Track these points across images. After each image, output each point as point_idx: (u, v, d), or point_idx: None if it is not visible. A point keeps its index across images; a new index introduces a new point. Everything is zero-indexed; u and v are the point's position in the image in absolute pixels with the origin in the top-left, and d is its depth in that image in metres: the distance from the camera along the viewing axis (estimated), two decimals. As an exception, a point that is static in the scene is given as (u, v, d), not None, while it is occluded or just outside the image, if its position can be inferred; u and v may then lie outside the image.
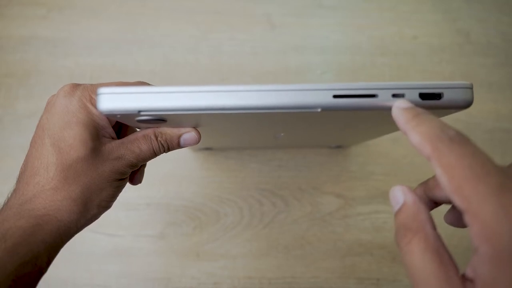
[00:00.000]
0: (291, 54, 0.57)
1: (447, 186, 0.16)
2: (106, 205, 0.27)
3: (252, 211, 0.49)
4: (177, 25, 0.58)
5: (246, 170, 0.51)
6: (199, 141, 0.27)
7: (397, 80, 0.56)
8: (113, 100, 0.21)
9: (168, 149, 0.27)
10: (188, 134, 0.26)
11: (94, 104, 0.24)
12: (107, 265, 0.47)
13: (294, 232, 0.49)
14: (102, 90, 0.21)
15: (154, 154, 0.27)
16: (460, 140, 0.16)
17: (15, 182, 0.25)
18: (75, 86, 0.25)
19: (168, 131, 0.26)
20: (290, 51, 0.57)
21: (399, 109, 0.20)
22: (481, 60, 0.58)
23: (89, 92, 0.24)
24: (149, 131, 0.26)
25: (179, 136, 0.26)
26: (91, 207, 0.25)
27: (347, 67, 0.56)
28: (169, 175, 0.50)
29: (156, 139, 0.26)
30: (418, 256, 0.16)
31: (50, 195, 0.24)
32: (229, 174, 0.51)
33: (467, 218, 0.15)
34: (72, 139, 0.24)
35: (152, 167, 0.50)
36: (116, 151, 0.25)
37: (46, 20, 0.57)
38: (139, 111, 0.21)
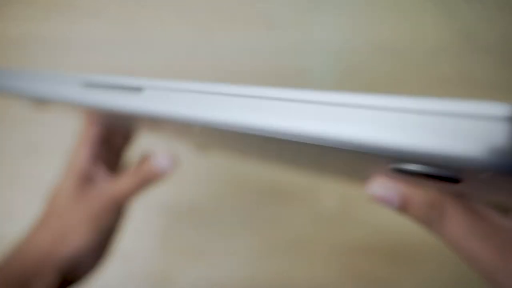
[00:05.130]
0: (291, 54, 0.57)
1: None
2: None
3: (252, 211, 0.49)
4: (177, 25, 0.58)
5: (246, 170, 0.51)
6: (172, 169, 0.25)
7: (398, 81, 0.56)
8: None
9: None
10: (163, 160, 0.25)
11: None
12: (107, 265, 0.47)
13: (294, 232, 0.49)
14: None
15: None
16: None
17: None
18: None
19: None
20: (290, 51, 0.57)
21: None
22: (482, 60, 0.58)
23: None
24: None
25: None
26: None
27: (348, 67, 0.56)
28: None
29: None
30: (456, 221, 0.16)
31: None
32: (229, 174, 0.51)
33: None
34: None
35: (152, 167, 0.50)
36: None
37: (46, 20, 0.57)
38: None
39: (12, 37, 0.56)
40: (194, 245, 0.48)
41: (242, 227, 0.49)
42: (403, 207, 0.16)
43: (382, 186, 0.16)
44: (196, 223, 0.49)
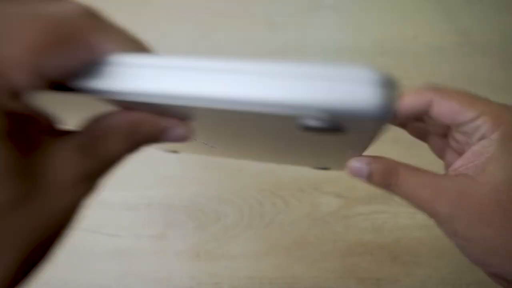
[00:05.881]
0: (291, 54, 0.57)
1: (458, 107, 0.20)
2: None
3: (252, 211, 0.49)
4: (177, 25, 0.58)
5: (246, 170, 0.51)
6: (187, 140, 0.19)
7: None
8: None
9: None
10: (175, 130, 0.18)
11: None
12: (108, 265, 0.47)
13: (294, 232, 0.49)
14: None
15: None
16: None
17: None
18: None
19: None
20: (290, 51, 0.57)
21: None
22: (482, 60, 0.58)
23: None
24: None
25: (162, 131, 0.18)
26: None
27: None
28: (169, 175, 0.50)
29: None
30: (409, 181, 0.20)
31: None
32: (229, 174, 0.51)
33: (480, 120, 0.19)
34: None
35: (151, 167, 0.50)
36: None
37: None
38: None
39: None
40: (194, 245, 0.48)
41: (242, 227, 0.49)
42: (369, 177, 0.20)
43: (355, 160, 0.21)
44: (196, 223, 0.49)
